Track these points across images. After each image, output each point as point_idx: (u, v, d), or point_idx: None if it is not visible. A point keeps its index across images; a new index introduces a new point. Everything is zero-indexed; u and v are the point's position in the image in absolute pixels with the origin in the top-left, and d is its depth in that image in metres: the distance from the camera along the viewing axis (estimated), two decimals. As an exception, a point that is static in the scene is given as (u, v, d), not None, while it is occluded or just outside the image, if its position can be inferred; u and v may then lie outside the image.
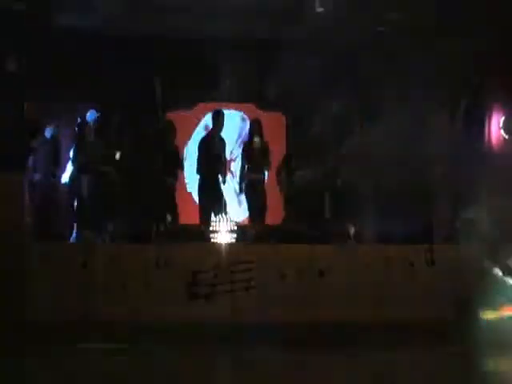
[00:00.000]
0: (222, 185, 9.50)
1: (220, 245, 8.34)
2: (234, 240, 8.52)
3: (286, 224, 9.58)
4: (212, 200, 9.35)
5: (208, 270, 7.72)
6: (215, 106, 10.46)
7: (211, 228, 8.55)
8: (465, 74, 9.28)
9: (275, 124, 11.05)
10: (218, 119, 9.65)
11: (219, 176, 9.45)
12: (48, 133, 9.55)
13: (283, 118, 11.45)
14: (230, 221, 8.59)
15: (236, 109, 11.51)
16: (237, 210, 10.11)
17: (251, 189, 9.68)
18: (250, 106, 11.41)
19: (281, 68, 10.11)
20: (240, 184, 9.78)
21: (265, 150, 9.69)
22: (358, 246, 8.43)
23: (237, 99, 11.28)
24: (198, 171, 9.53)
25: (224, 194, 9.55)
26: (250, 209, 9.76)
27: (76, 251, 7.78)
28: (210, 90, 10.88)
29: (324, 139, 9.62)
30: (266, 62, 10.43)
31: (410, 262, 7.99)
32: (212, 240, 8.52)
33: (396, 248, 8.13)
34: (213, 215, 9.11)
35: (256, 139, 9.65)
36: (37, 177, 9.25)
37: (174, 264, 7.73)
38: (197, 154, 9.65)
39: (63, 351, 6.32)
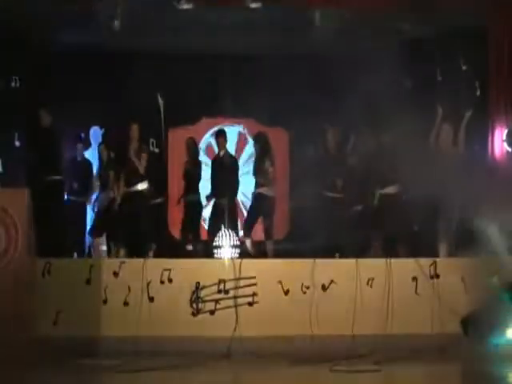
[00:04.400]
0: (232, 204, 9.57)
1: (223, 260, 8.33)
2: (237, 255, 8.49)
3: (290, 238, 9.64)
4: (223, 221, 9.36)
5: (211, 285, 7.71)
6: (217, 121, 10.55)
7: (215, 243, 8.54)
8: (468, 87, 9.33)
9: (277, 140, 10.88)
10: (220, 139, 9.73)
11: (232, 197, 9.55)
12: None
13: (285, 134, 11.42)
14: (234, 235, 8.58)
15: (236, 124, 11.52)
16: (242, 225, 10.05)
17: (258, 204, 9.68)
18: (250, 121, 11.40)
19: (282, 82, 10.25)
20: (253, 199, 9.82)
21: (270, 164, 9.68)
22: (360, 259, 8.22)
23: (237, 114, 11.29)
24: (212, 194, 9.66)
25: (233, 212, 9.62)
26: (252, 222, 9.74)
27: (80, 267, 7.80)
28: (212, 105, 10.95)
29: (329, 155, 9.66)
30: (267, 76, 10.54)
31: (412, 276, 7.92)
32: (216, 255, 8.51)
33: (399, 262, 8.06)
34: (220, 231, 9.15)
35: (259, 151, 9.69)
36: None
37: (179, 280, 7.73)
38: (210, 178, 9.77)
39: (64, 367, 6.29)
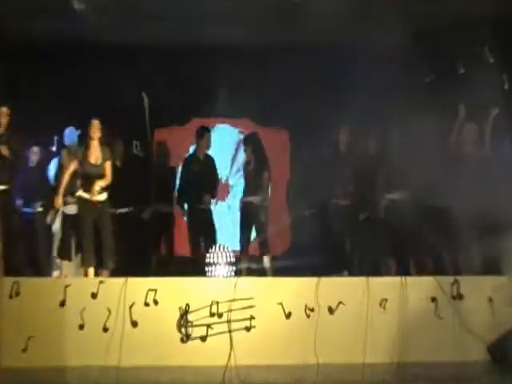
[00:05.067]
0: (212, 209, 9.60)
1: (217, 279, 8.28)
2: (232, 273, 8.39)
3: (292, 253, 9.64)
4: (201, 228, 9.46)
5: (203, 308, 7.67)
6: (210, 121, 10.48)
7: (207, 260, 8.42)
8: (494, 80, 9.26)
9: (276, 141, 11.04)
10: (203, 137, 9.76)
11: (207, 199, 9.56)
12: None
13: (285, 134, 11.42)
14: (228, 251, 8.44)
15: (232, 124, 11.54)
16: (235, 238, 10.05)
17: (249, 213, 9.67)
18: (247, 122, 11.40)
19: (281, 78, 10.21)
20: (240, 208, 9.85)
21: (263, 168, 9.67)
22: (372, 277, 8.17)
23: (233, 114, 11.32)
24: (182, 195, 9.69)
25: (214, 220, 9.70)
26: (245, 236, 9.74)
27: (53, 287, 7.75)
28: (204, 104, 10.96)
29: (338, 158, 9.66)
30: (265, 71, 10.53)
31: (432, 297, 7.88)
32: (208, 273, 8.40)
33: (416, 280, 8.02)
34: (204, 245, 9.17)
35: (250, 154, 9.71)
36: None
37: (165, 301, 7.69)
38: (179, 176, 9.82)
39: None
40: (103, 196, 8.59)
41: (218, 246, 8.51)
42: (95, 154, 8.62)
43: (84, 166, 8.59)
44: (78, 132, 9.57)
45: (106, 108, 9.57)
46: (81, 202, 8.61)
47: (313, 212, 9.54)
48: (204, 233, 9.65)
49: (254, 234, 9.87)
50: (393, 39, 9.29)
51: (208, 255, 8.43)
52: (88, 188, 8.52)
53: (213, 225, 9.84)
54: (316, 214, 9.48)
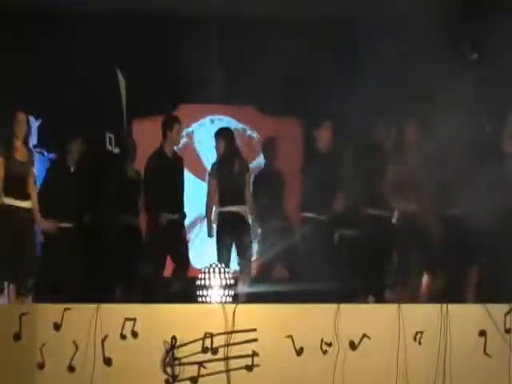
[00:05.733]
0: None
1: (211, 306, 7.95)
2: (230, 298, 8.06)
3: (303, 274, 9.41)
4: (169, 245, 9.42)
5: (194, 342, 7.39)
6: (203, 109, 10.56)
7: (198, 282, 8.08)
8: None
9: (287, 134, 10.94)
10: (172, 128, 9.55)
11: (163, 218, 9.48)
12: None
13: (298, 125, 11.33)
14: (225, 271, 8.08)
15: (230, 114, 11.48)
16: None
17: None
18: (250, 110, 11.32)
19: (292, 57, 10.13)
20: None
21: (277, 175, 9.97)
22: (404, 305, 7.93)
23: (231, 100, 11.25)
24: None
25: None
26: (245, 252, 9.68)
27: (5, 316, 7.44)
28: (195, 88, 10.75)
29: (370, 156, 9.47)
30: (272, 49, 10.31)
31: (480, 330, 7.60)
32: (199, 299, 8.08)
33: (459, 308, 7.76)
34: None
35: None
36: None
37: (147, 333, 7.40)
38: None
39: None
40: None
41: (212, 265, 8.19)
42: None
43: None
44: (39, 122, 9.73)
45: (67, 92, 9.46)
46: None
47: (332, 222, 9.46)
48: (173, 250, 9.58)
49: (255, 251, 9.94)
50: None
51: (200, 276, 8.10)
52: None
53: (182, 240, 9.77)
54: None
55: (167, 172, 9.51)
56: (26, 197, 8.38)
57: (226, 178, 9.57)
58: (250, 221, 9.74)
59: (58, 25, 10.06)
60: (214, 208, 9.75)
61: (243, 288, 9.14)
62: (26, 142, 8.48)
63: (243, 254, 9.61)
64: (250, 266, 9.74)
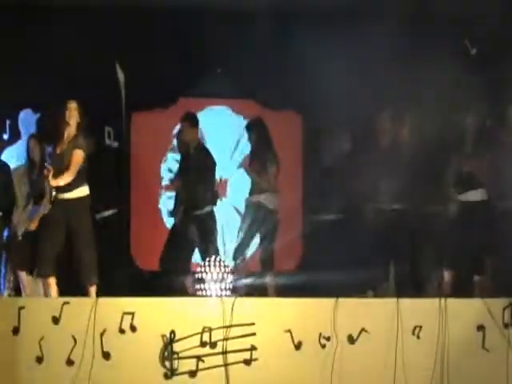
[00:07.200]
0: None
1: (209, 299, 8.01)
2: (228, 292, 8.14)
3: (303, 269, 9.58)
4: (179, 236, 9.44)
5: (192, 336, 7.42)
6: (201, 103, 10.47)
7: (196, 276, 8.19)
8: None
9: (287, 127, 10.93)
10: (188, 127, 9.65)
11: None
12: None
13: (298, 118, 11.29)
14: (224, 264, 8.17)
15: (231, 107, 11.43)
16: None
17: (252, 217, 9.64)
18: (250, 103, 11.28)
19: (294, 50, 10.13)
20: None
21: (270, 163, 9.64)
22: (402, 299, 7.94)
23: (232, 94, 11.22)
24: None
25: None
26: (247, 245, 9.69)
27: (4, 310, 7.47)
28: (195, 81, 10.81)
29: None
30: (273, 41, 10.42)
31: (478, 325, 7.61)
32: (198, 293, 8.17)
33: (458, 303, 7.75)
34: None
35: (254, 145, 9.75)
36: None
37: (145, 327, 7.43)
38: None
39: None
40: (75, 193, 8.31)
41: (211, 258, 8.28)
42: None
43: None
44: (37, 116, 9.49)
45: (70, 85, 9.45)
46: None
47: (336, 218, 9.38)
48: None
49: (257, 243, 9.87)
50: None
51: (199, 269, 8.20)
52: None
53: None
54: (341, 221, 9.32)
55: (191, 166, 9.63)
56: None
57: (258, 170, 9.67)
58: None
59: (54, 19, 9.98)
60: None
61: (242, 282, 9.09)
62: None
63: (266, 244, 9.61)
64: (273, 256, 9.71)
